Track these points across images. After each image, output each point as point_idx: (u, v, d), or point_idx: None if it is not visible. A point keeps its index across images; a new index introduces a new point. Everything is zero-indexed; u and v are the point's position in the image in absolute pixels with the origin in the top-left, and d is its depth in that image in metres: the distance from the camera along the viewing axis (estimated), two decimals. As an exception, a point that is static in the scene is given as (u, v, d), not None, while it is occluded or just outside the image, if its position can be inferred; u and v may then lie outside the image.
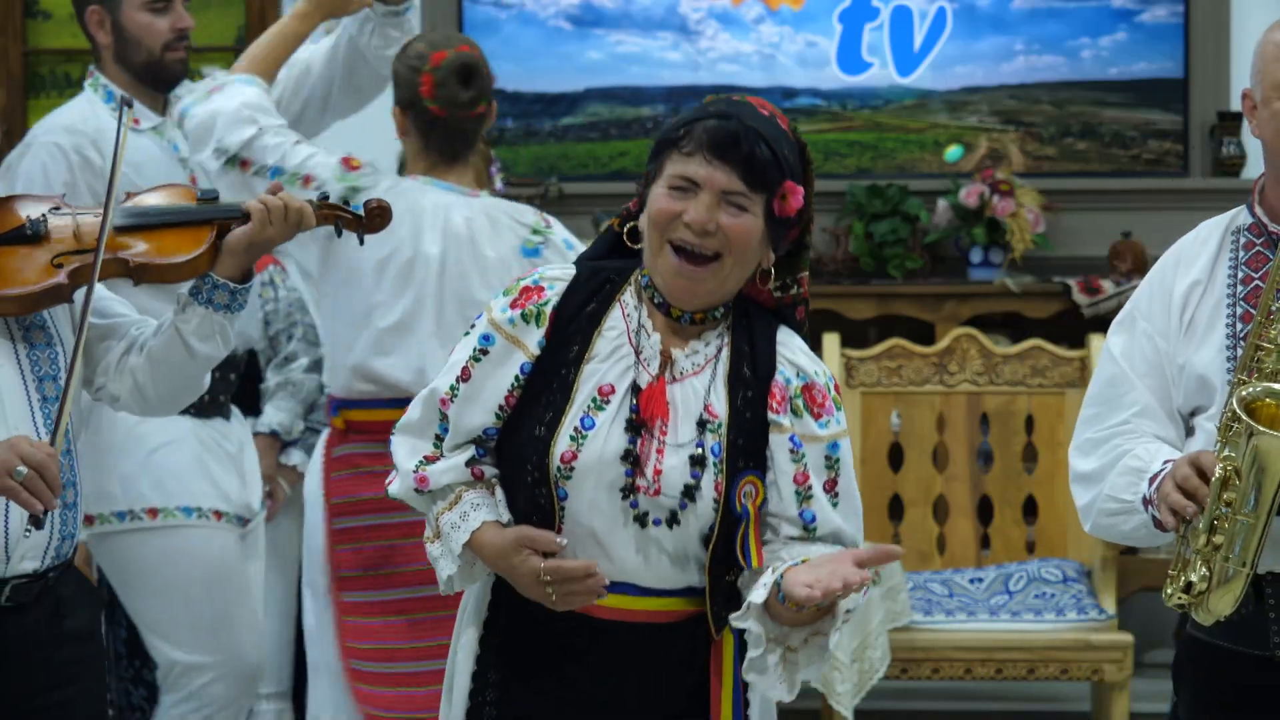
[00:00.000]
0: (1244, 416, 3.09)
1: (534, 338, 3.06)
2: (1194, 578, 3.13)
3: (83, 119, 4.62)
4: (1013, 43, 7.27)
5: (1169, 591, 3.17)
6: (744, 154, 2.98)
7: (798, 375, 3.06)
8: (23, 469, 3.11)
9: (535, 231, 4.44)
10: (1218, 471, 3.09)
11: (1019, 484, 6.15)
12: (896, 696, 6.23)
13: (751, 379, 3.05)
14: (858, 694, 5.43)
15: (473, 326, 3.12)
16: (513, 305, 3.08)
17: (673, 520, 3.01)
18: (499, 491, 3.10)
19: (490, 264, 4.38)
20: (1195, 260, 3.36)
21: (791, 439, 3.02)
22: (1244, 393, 3.12)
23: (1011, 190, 7.03)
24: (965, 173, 7.22)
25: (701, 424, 3.02)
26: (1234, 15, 7.11)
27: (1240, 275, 3.31)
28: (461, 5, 7.33)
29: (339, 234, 3.62)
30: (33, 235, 3.41)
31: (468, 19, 7.31)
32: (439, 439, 3.12)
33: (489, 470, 3.11)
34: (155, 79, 4.65)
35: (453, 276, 4.38)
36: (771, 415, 3.03)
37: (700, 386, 3.05)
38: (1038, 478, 6.12)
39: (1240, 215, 3.37)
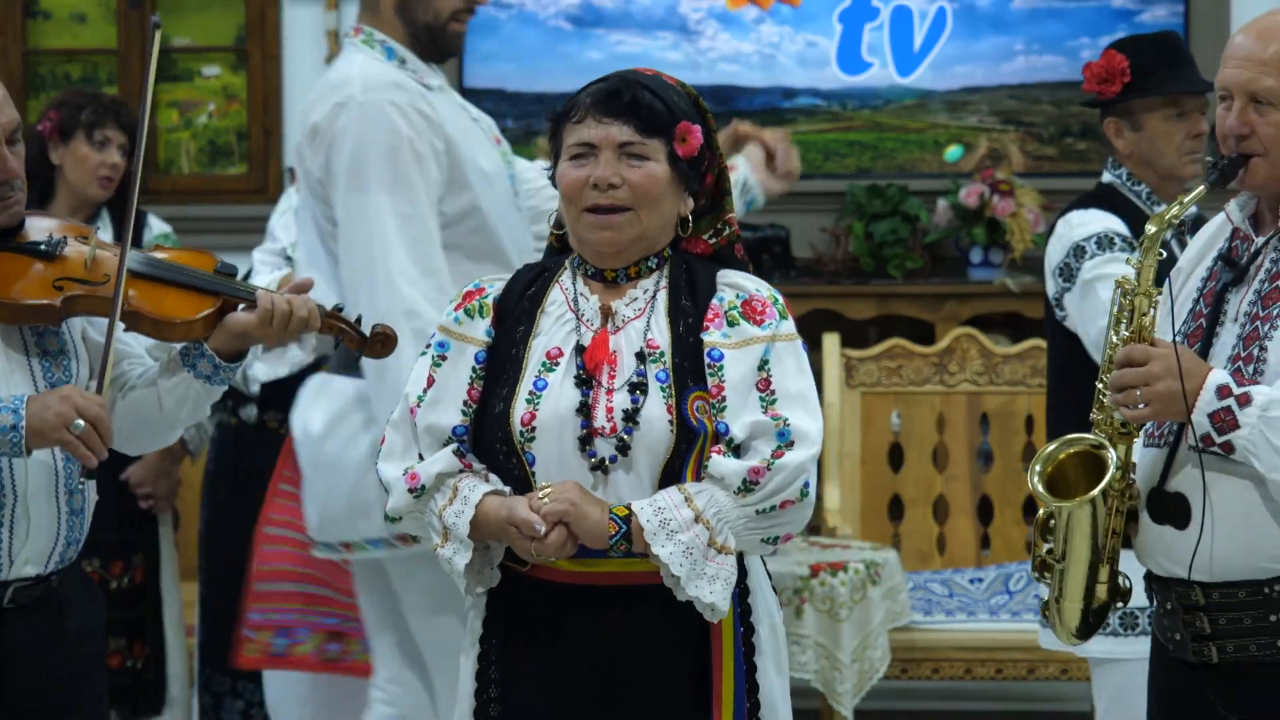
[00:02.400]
0: (1044, 495, 3.11)
1: (480, 328, 3.19)
2: (1049, 600, 3.23)
3: (395, 76, 4.16)
4: (1013, 43, 7.27)
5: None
6: (629, 103, 3.10)
7: (736, 295, 3.15)
8: (80, 423, 3.17)
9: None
10: (1040, 515, 3.15)
11: (1019, 484, 6.14)
12: (896, 696, 6.22)
13: (691, 307, 3.14)
14: (858, 694, 5.44)
15: (428, 346, 3.22)
16: (456, 308, 3.22)
17: (624, 449, 3.06)
18: (493, 477, 3.15)
19: None
20: (1196, 242, 3.29)
21: (709, 354, 3.09)
22: (1038, 466, 3.14)
23: (1011, 190, 7.03)
24: (965, 173, 7.22)
25: (641, 356, 3.10)
26: (1234, 15, 7.11)
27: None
28: (461, 5, 7.33)
29: (336, 346, 3.65)
30: (46, 253, 3.40)
31: (468, 19, 7.31)
32: (421, 458, 3.17)
33: (476, 464, 3.16)
34: (431, 45, 4.25)
35: None
36: (703, 334, 3.11)
37: (641, 326, 3.13)
38: (1038, 478, 6.11)
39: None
